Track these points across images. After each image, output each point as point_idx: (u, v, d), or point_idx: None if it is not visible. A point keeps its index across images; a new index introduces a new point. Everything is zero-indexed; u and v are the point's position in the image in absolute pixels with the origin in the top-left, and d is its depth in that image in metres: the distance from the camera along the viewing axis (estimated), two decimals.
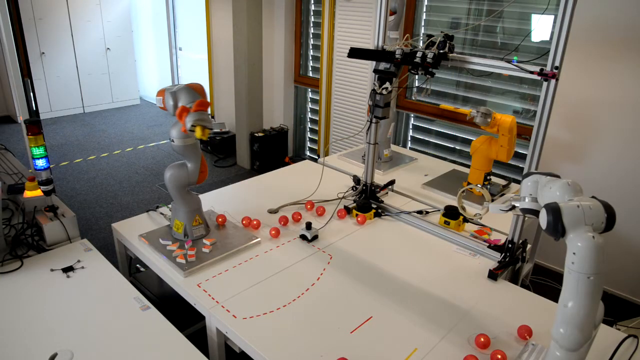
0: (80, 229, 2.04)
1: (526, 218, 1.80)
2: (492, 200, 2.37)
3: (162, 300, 2.02)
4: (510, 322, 1.56)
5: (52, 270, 1.76)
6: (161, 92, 1.75)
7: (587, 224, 1.10)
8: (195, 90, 1.69)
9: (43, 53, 6.10)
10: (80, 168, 4.83)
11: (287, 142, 5.00)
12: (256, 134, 4.83)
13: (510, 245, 1.88)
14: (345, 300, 1.66)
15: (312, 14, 4.53)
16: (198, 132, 1.58)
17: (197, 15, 5.83)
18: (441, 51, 1.88)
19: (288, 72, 4.79)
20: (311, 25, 4.57)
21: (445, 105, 3.24)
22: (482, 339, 1.44)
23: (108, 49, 6.67)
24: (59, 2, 6.07)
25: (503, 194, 2.52)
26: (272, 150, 4.89)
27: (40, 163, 1.94)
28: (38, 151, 1.93)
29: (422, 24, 3.65)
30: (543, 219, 1.15)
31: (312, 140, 5.04)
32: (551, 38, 1.59)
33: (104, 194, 4.28)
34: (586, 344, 1.13)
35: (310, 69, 4.75)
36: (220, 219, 2.08)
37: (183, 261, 1.78)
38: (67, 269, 1.77)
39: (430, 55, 1.87)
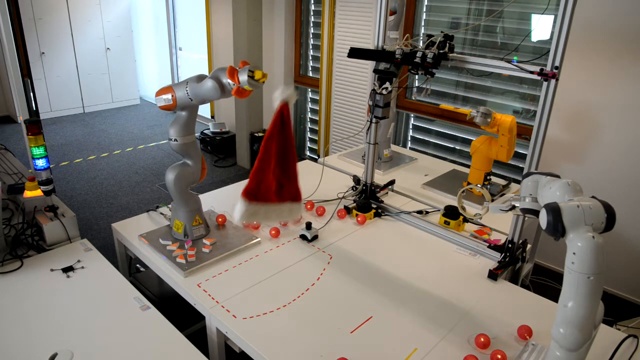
0: (80, 229, 2.04)
1: (526, 218, 1.80)
2: (492, 200, 2.37)
3: (162, 300, 2.02)
4: (510, 322, 1.56)
5: (52, 270, 1.76)
6: (162, 91, 1.73)
7: (587, 224, 1.10)
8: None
9: (43, 53, 6.09)
10: (80, 168, 4.83)
11: None
12: (256, 134, 4.82)
13: (510, 245, 1.88)
14: (345, 300, 1.66)
15: (312, 14, 4.53)
16: (258, 74, 1.59)
17: (197, 15, 5.83)
18: (441, 51, 1.88)
19: (288, 72, 4.79)
20: (311, 25, 4.56)
21: (445, 105, 3.24)
22: (482, 339, 1.44)
23: (108, 49, 6.67)
24: (59, 2, 6.07)
25: (503, 194, 2.52)
26: None
27: (40, 163, 1.94)
28: (38, 151, 1.93)
29: (422, 24, 3.65)
30: (543, 219, 1.15)
31: (312, 140, 5.04)
32: (551, 38, 1.59)
33: (104, 194, 4.28)
34: (586, 344, 1.13)
35: (310, 69, 4.75)
36: (220, 219, 2.08)
37: (183, 261, 1.78)
38: (67, 269, 1.77)
39: (430, 55, 1.87)
